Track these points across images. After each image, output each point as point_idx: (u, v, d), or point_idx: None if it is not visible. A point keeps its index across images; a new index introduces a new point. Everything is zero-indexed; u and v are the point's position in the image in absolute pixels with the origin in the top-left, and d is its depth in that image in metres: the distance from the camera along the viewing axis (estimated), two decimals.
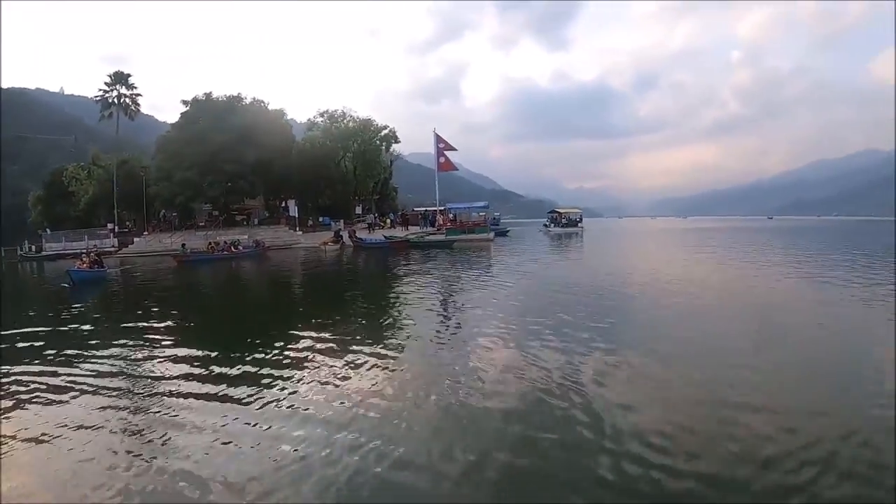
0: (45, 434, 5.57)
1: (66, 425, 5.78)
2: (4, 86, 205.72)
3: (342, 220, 51.03)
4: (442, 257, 28.21)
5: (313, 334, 9.89)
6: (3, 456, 5.09)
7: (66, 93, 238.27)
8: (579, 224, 64.91)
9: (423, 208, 56.82)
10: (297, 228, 48.44)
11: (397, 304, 13.83)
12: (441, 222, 50.57)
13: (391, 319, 11.89)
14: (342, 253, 36.55)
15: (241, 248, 38.69)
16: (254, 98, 54.42)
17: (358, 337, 9.56)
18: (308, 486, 4.23)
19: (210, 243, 38.92)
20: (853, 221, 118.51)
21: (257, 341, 9.80)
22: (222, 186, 47.83)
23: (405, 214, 54.24)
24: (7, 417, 6.21)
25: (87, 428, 5.68)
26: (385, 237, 41.65)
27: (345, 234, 41.44)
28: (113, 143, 75.21)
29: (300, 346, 9.13)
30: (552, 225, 64.04)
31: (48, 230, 61.69)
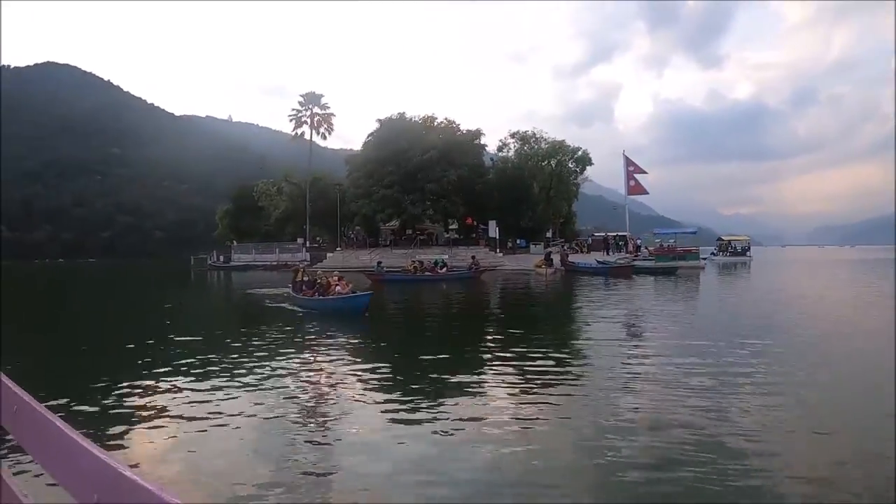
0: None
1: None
2: (178, 113, 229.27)
3: (542, 244, 49.07)
4: (656, 284, 27.31)
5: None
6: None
7: (233, 120, 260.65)
8: (747, 253, 60.06)
9: (615, 233, 53.76)
10: (498, 250, 46.80)
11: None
12: (631, 248, 47.85)
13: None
14: (556, 277, 34.14)
15: (445, 269, 34.78)
16: (445, 118, 54.34)
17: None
18: None
19: (413, 262, 35.64)
20: None
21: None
22: (423, 205, 47.40)
23: (607, 240, 51.42)
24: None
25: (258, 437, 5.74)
26: (598, 261, 39.24)
27: (556, 258, 39.07)
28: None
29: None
30: (720, 253, 59.45)
31: (234, 242, 64.80)
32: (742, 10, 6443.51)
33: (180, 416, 6.31)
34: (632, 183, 50.33)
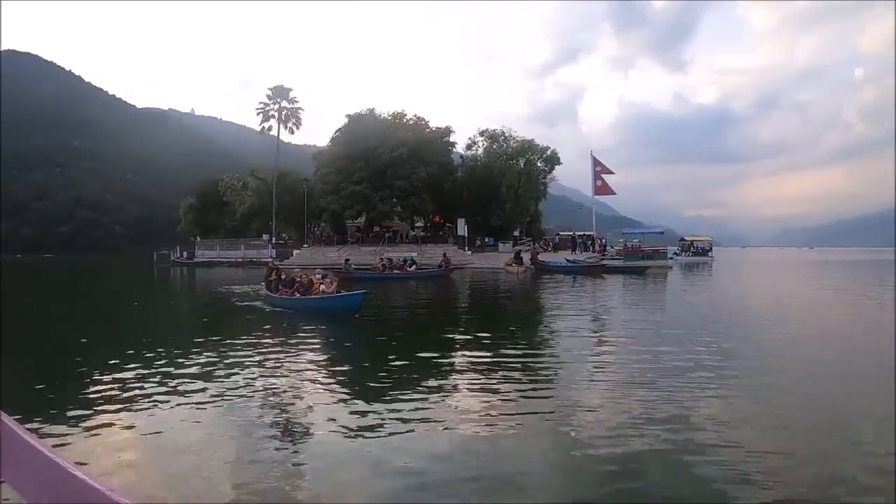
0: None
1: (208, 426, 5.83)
2: (140, 105, 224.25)
3: (511, 242, 49.23)
4: (628, 283, 27.71)
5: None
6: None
7: (196, 113, 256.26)
8: (709, 253, 61.56)
9: (583, 233, 54.27)
10: (467, 248, 46.73)
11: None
12: (597, 248, 48.35)
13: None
14: (527, 276, 34.12)
15: (415, 267, 34.03)
16: (415, 115, 54.16)
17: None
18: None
19: (381, 260, 34.45)
20: None
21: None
22: (391, 202, 47.17)
23: (575, 239, 51.98)
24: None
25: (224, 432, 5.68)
26: (568, 260, 39.58)
27: (526, 256, 39.10)
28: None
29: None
30: (682, 253, 60.69)
31: (198, 237, 63.44)
32: (709, 16, 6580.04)
33: (143, 418, 6.09)
34: (599, 183, 50.55)
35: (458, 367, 8.67)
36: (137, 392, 7.05)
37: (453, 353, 9.89)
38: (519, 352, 9.70)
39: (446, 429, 5.70)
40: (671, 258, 48.79)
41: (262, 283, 18.91)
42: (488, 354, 9.49)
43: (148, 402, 6.62)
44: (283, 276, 18.16)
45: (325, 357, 9.74)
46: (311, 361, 9.18)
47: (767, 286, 28.97)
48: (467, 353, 9.85)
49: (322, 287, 15.60)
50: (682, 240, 66.74)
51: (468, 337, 11.70)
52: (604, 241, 52.35)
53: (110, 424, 5.84)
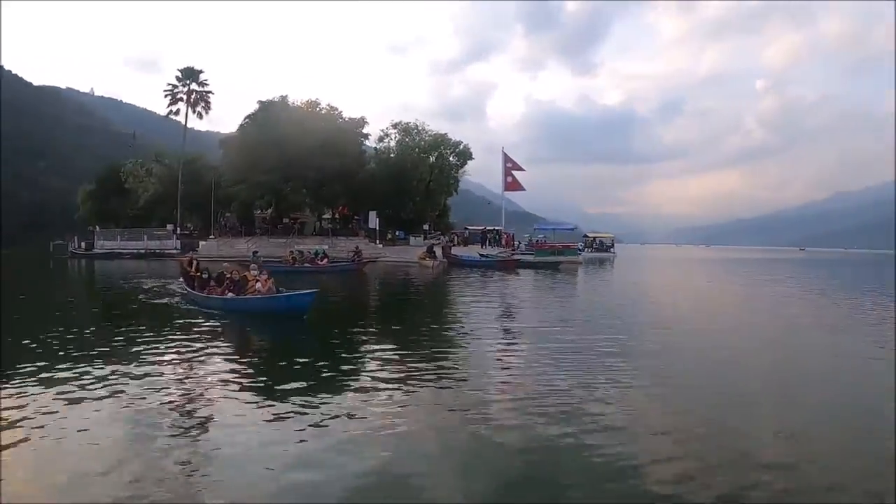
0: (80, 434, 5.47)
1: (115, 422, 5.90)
2: (37, 83, 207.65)
3: (421, 236, 49.70)
4: (543, 278, 29.20)
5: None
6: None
7: (95, 94, 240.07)
8: (611, 250, 64.60)
9: (493, 227, 55.48)
10: (378, 241, 46.89)
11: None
12: (505, 242, 49.74)
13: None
14: (440, 269, 34.75)
15: (326, 260, 33.46)
16: (328, 104, 53.54)
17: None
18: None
19: (291, 252, 33.73)
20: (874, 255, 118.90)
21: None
22: (302, 193, 46.55)
23: (485, 233, 53.03)
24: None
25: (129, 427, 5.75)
26: (481, 254, 40.58)
27: (438, 250, 39.80)
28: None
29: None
30: (586, 249, 62.25)
31: (98, 227, 60.13)
32: (619, 22, 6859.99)
33: (42, 428, 5.65)
34: (509, 179, 51.94)
35: (383, 368, 8.52)
36: (36, 400, 6.56)
37: (377, 354, 9.66)
38: (441, 350, 9.90)
39: (356, 429, 5.70)
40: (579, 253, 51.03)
41: (181, 279, 17.58)
42: (411, 353, 9.61)
43: (45, 411, 6.14)
44: (203, 273, 16.61)
45: (243, 357, 9.46)
46: (230, 362, 8.91)
47: (668, 282, 32.39)
48: (394, 353, 9.72)
49: (258, 285, 14.00)
50: (586, 236, 68.98)
51: (397, 340, 11.26)
52: (512, 236, 53.88)
53: None
